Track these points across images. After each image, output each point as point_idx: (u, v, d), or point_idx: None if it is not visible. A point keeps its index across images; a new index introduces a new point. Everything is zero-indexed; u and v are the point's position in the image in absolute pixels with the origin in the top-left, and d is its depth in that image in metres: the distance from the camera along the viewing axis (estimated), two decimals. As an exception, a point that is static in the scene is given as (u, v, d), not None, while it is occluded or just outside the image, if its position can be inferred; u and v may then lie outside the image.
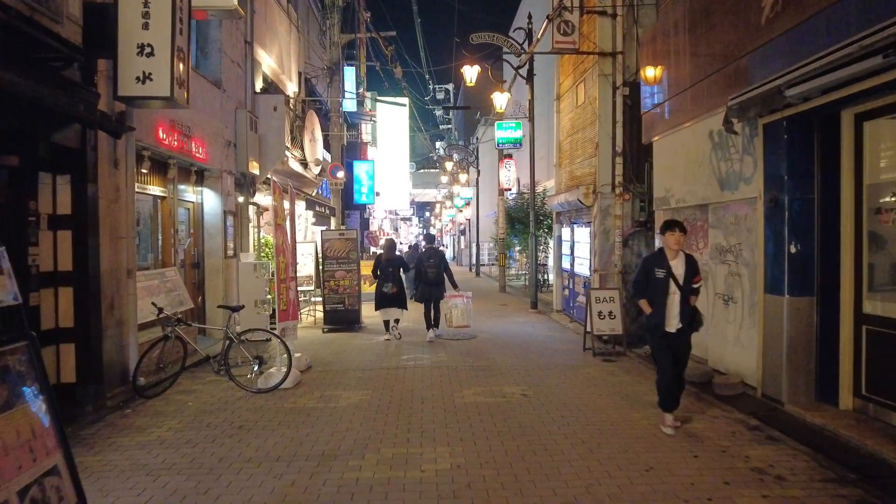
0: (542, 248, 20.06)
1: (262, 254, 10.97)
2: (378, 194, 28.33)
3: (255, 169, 10.09)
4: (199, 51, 8.94)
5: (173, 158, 7.52)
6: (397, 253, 9.74)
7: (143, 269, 6.89)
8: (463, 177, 27.52)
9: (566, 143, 11.47)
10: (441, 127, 42.46)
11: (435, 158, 41.85)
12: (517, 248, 24.50)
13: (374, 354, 8.04)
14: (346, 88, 23.24)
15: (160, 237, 7.86)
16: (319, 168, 13.76)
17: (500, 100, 12.50)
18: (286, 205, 7.38)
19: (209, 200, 9.08)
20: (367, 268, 15.10)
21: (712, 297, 6.53)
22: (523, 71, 12.56)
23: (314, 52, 15.86)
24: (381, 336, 9.39)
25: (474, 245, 31.71)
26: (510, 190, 14.18)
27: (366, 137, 31.35)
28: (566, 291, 11.49)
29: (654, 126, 7.95)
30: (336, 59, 15.00)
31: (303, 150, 12.19)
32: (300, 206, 12.18)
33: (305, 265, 11.30)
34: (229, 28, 9.37)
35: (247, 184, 10.04)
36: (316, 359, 7.76)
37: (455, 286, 9.36)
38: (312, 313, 11.40)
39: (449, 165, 27.58)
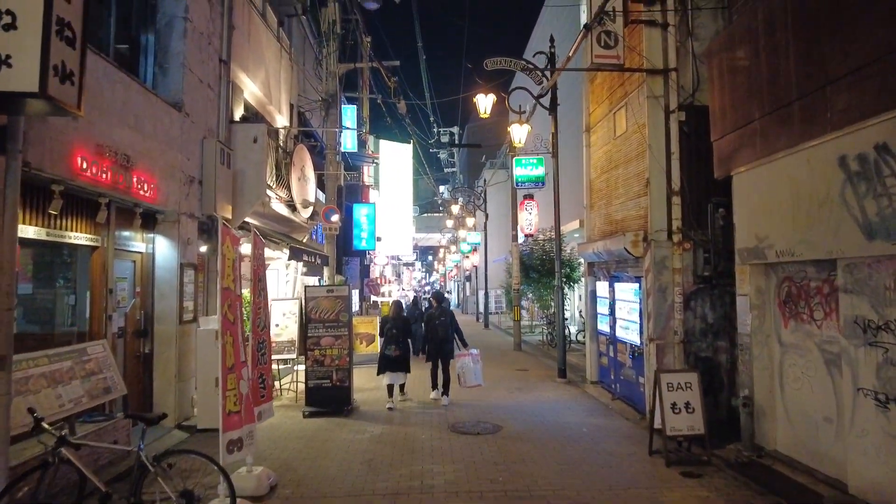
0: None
1: (235, 314, 9.01)
2: (379, 239, 26.57)
3: (226, 212, 8.27)
4: (155, 65, 7.25)
5: (104, 196, 5.67)
6: (404, 313, 9.31)
7: (45, 349, 4.95)
8: (470, 220, 25.79)
9: (600, 182, 9.66)
10: (445, 170, 41.13)
11: (439, 202, 40.35)
12: (530, 297, 22.51)
13: (364, 462, 5.92)
14: (345, 125, 21.86)
15: (87, 299, 5.95)
16: (310, 211, 11.95)
17: (518, 133, 10.81)
18: (245, 252, 5.49)
19: (162, 250, 7.21)
20: (363, 325, 13.17)
21: (852, 393, 4.52)
22: (545, 100, 10.90)
23: (309, 83, 14.34)
24: (375, 426, 7.38)
25: (482, 293, 29.69)
26: (532, 235, 12.37)
27: (368, 180, 29.88)
28: (604, 359, 9.44)
29: (733, 155, 6.12)
30: (333, 91, 13.44)
31: (289, 189, 10.42)
32: (280, 254, 10.30)
33: (287, 327, 9.32)
34: (197, 41, 7.73)
35: (215, 230, 8.19)
36: (286, 467, 5.69)
37: (465, 345, 8.93)
38: (293, 387, 9.34)
39: (455, 208, 25.92)
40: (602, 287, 9.63)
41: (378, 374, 8.59)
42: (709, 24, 7.63)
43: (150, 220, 6.95)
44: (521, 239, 16.55)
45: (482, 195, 24.64)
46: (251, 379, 5.12)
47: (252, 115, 10.66)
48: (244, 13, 9.74)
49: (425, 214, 58.60)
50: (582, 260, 18.44)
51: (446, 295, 42.89)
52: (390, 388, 8.52)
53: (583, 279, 18.55)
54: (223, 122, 8.70)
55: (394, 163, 32.53)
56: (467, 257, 31.20)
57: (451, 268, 49.35)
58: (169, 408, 6.92)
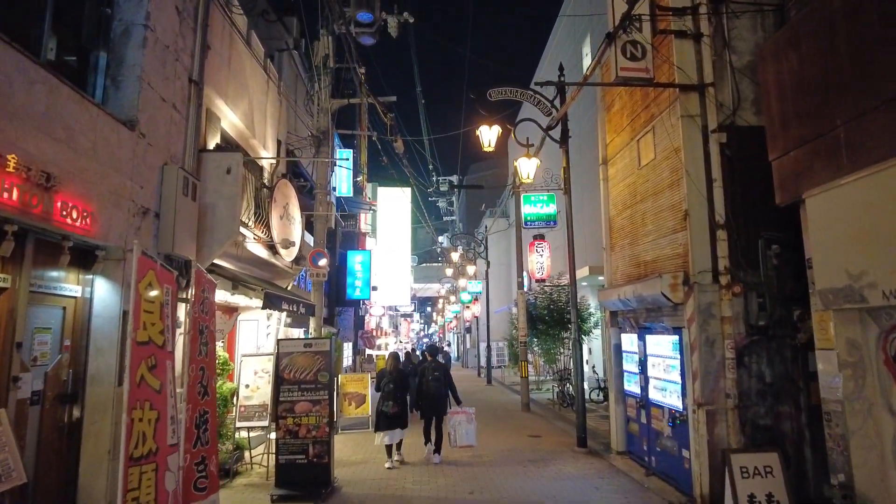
0: (569, 352, 16.63)
1: (197, 372, 7.63)
2: (375, 289, 25.27)
3: (188, 251, 7.03)
4: (107, 77, 6.18)
5: (10, 222, 4.44)
6: (405, 362, 9.37)
7: None
8: (470, 269, 24.57)
9: (622, 219, 8.49)
10: (444, 219, 40.26)
11: (438, 251, 39.26)
12: (535, 351, 20.97)
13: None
14: (342, 175, 20.96)
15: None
16: (294, 254, 10.72)
17: (526, 167, 9.74)
18: (193, 296, 4.22)
19: (102, 295, 5.91)
20: (352, 383, 11.70)
21: None
22: (555, 132, 9.88)
23: (301, 120, 13.42)
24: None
25: (483, 345, 28.12)
26: (544, 280, 11.09)
27: (365, 228, 28.87)
28: (634, 426, 7.99)
29: (804, 174, 4.94)
30: (324, 127, 12.48)
31: (269, 228, 9.22)
32: (256, 302, 9.01)
33: (259, 388, 7.90)
34: (161, 55, 6.70)
35: (175, 273, 6.94)
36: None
37: (458, 402, 8.67)
38: (266, 460, 7.85)
39: (454, 256, 24.73)
40: (628, 340, 8.30)
41: (375, 431, 8.21)
42: (747, 35, 6.65)
43: (86, 258, 5.69)
44: (528, 285, 15.27)
45: (483, 242, 23.50)
46: (183, 467, 3.74)
47: (231, 148, 9.60)
48: (223, 35, 8.83)
49: (424, 264, 57.49)
50: (594, 309, 17.15)
51: (445, 348, 41.25)
52: (389, 448, 8.11)
53: (596, 330, 17.14)
54: (191, 150, 7.59)
55: (392, 209, 31.61)
56: (468, 307, 29.79)
57: (451, 319, 47.73)
58: (98, 496, 5.46)
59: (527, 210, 10.23)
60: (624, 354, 8.45)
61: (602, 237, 9.16)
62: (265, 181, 10.31)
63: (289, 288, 11.73)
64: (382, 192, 32.12)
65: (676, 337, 6.69)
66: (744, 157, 6.40)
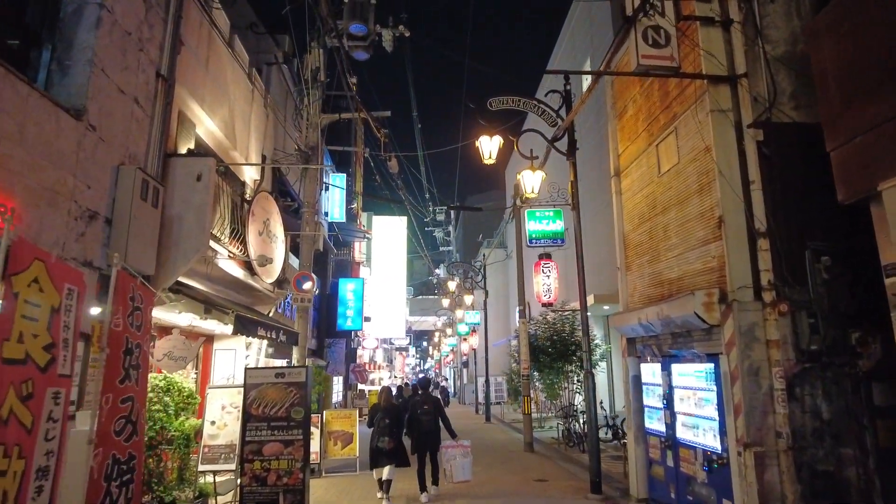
0: (574, 386, 15.55)
1: (154, 408, 6.59)
2: (368, 319, 24.19)
3: (145, 265, 6.10)
4: (53, 60, 5.37)
5: None
6: (396, 396, 9.05)
7: None
8: (468, 298, 23.57)
9: (639, 235, 7.62)
10: (441, 249, 39.42)
11: (435, 282, 38.30)
12: (537, 386, 19.82)
13: None
14: (335, 199, 20.19)
15: None
16: (275, 275, 9.77)
17: (530, 180, 8.92)
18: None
19: (31, 312, 4.96)
20: (338, 421, 10.61)
21: None
22: (562, 144, 9.11)
23: (289, 136, 12.67)
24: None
25: (481, 380, 26.87)
26: (552, 304, 10.10)
27: (359, 257, 27.99)
28: (658, 469, 6.93)
29: (879, 163, 4.09)
30: (314, 143, 11.72)
31: (246, 245, 8.30)
32: (224, 327, 8.03)
33: (227, 426, 6.84)
34: (121, 42, 5.92)
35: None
36: None
37: (453, 435, 8.32)
38: (232, 510, 6.74)
39: (451, 285, 23.75)
40: (649, 370, 7.31)
41: (371, 468, 7.79)
42: (780, 23, 5.93)
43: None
44: (530, 314, 14.29)
45: (481, 271, 22.58)
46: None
47: (203, 153, 8.75)
48: (201, 32, 8.11)
49: (420, 297, 56.36)
50: (599, 340, 16.14)
51: (442, 383, 39.80)
52: (388, 483, 7.65)
53: (602, 363, 16.08)
54: (156, 152, 6.74)
55: (387, 238, 30.82)
56: (465, 340, 28.65)
57: (447, 353, 46.37)
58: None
59: (531, 227, 9.38)
60: (644, 387, 7.46)
61: (616, 257, 8.27)
62: (247, 198, 9.45)
63: (270, 314, 10.74)
64: (378, 220, 31.40)
65: (711, 365, 5.73)
66: (784, 156, 5.59)
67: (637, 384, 7.61)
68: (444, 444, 8.04)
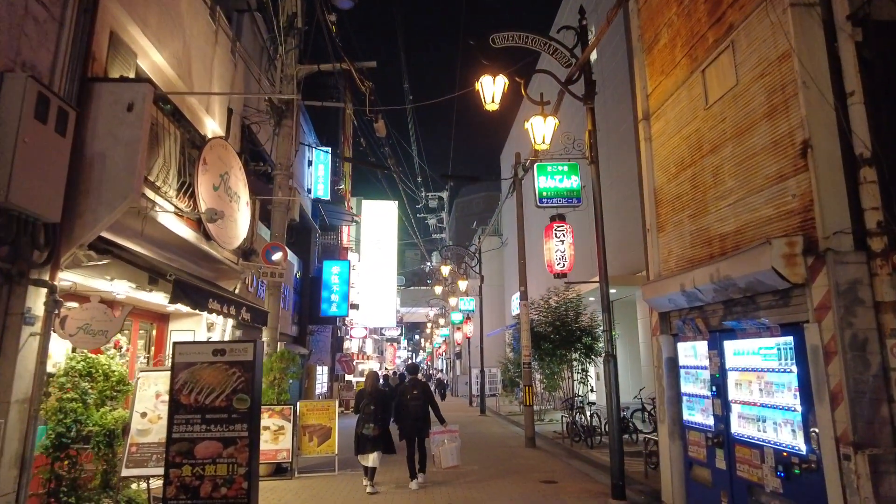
0: (578, 376, 14.22)
1: (67, 397, 5.14)
2: (356, 307, 22.74)
3: (45, 206, 4.64)
4: None
5: None
6: (382, 385, 8.73)
7: None
8: (463, 284, 22.14)
9: (677, 186, 6.24)
10: (434, 236, 37.97)
11: (427, 270, 36.87)
12: (536, 376, 18.49)
13: None
14: (319, 174, 18.71)
15: None
16: (236, 242, 8.30)
17: (540, 128, 7.50)
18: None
19: None
20: (314, 414, 9.21)
21: None
22: (577, 87, 7.70)
23: (262, 90, 11.16)
24: None
25: (475, 371, 25.54)
26: (566, 275, 8.66)
27: (348, 243, 26.52)
28: (702, 472, 5.56)
29: None
30: (288, 99, 10.24)
31: (195, 201, 6.82)
32: (149, 296, 6.58)
33: (161, 419, 5.39)
34: None
35: (23, 242, 4.55)
36: None
37: (442, 421, 8.12)
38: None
39: (445, 270, 22.32)
40: (689, 350, 5.95)
41: (356, 454, 7.60)
42: None
43: None
44: (532, 294, 12.91)
45: (476, 255, 21.19)
46: None
47: (136, 79, 7.21)
48: (139, -63, 6.60)
49: (412, 287, 54.95)
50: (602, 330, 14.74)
51: (438, 375, 38.44)
52: (373, 471, 7.49)
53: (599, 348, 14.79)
54: (70, 70, 5.27)
55: (377, 223, 29.32)
56: (459, 329, 27.28)
57: (440, 344, 45.02)
58: None
59: (542, 183, 7.93)
60: (682, 371, 6.09)
61: (644, 216, 6.88)
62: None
63: (236, 290, 9.28)
64: (367, 205, 29.91)
65: (788, 339, 4.36)
66: (890, 60, 4.21)
67: (672, 368, 6.24)
68: (433, 430, 7.89)
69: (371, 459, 7.40)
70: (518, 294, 27.90)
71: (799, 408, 4.23)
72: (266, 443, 8.47)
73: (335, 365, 22.08)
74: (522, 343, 12.31)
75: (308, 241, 17.81)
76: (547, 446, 11.88)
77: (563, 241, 8.48)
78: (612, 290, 16.16)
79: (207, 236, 7.43)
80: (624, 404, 13.58)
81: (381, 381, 16.15)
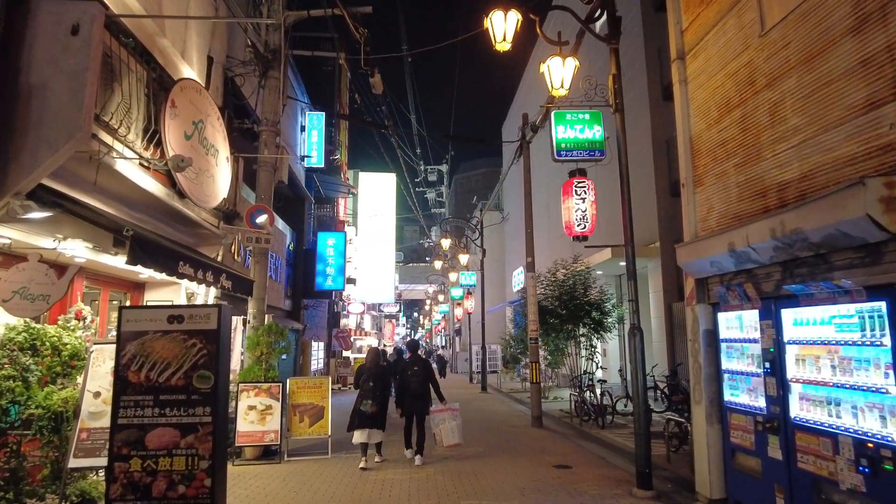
0: (586, 353, 13.50)
1: (2, 374, 4.33)
2: (352, 281, 21.97)
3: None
4: None
5: None
6: (382, 362, 8.15)
7: None
8: (463, 258, 21.30)
9: (721, 132, 5.37)
10: (433, 210, 37.03)
11: (426, 246, 36.03)
12: (542, 354, 17.78)
13: None
14: (312, 140, 17.73)
15: None
16: (215, 201, 7.43)
17: (558, 71, 6.56)
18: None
19: None
20: (306, 392, 8.47)
21: None
22: (598, 25, 6.75)
23: (249, 41, 10.15)
24: None
25: (476, 347, 24.88)
26: (587, 237, 7.75)
27: (344, 215, 25.63)
28: (750, 461, 4.80)
29: None
30: (275, 46, 9.27)
31: (163, 149, 5.93)
32: (117, 261, 5.72)
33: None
34: None
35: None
36: None
37: (442, 399, 7.84)
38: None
39: (445, 244, 21.43)
40: (731, 321, 5.15)
41: (349, 430, 7.50)
42: None
43: None
44: (538, 266, 12.08)
45: (478, 227, 20.32)
46: None
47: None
48: None
49: (410, 264, 54.19)
50: (613, 307, 14.04)
51: (438, 351, 37.84)
52: (364, 446, 7.40)
53: (614, 331, 14.06)
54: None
55: (375, 197, 28.37)
56: (459, 304, 26.55)
57: (439, 321, 44.42)
58: None
59: (561, 133, 7.00)
60: (724, 346, 5.30)
61: (680, 168, 6.01)
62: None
63: (217, 256, 8.44)
64: (365, 177, 28.94)
65: (879, 304, 3.55)
66: None
67: (710, 342, 5.45)
68: (433, 408, 7.74)
69: (366, 436, 7.27)
70: (520, 270, 27.13)
71: (893, 389, 3.43)
72: (252, 424, 7.74)
73: (332, 341, 21.39)
74: (529, 318, 11.54)
75: (301, 211, 16.93)
76: (554, 426, 11.19)
77: (584, 199, 7.58)
78: (621, 263, 15.48)
79: (181, 194, 6.56)
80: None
81: (382, 358, 15.70)
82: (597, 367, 13.48)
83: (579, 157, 7.19)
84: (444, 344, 34.17)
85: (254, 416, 7.76)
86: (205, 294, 8.52)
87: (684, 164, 5.92)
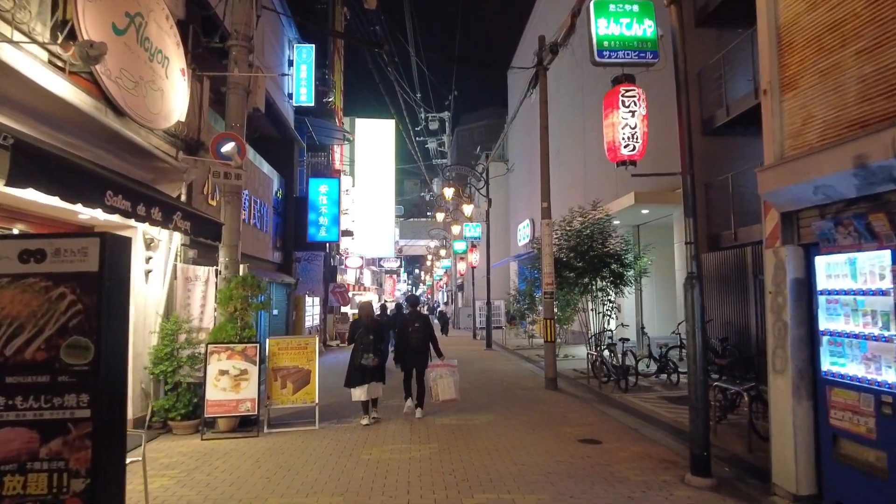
0: (604, 308, 12.31)
1: None
2: (349, 233, 20.67)
3: None
4: None
5: None
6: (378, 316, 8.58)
7: None
8: (468, 208, 19.89)
9: (830, 13, 3.91)
10: (434, 162, 35.35)
11: (427, 198, 34.55)
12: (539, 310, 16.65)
13: None
14: (301, 76, 16.08)
15: None
16: (166, 122, 6.03)
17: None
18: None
19: None
20: (289, 354, 7.29)
21: None
22: None
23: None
24: None
25: (479, 303, 23.81)
26: (634, 162, 6.22)
27: (339, 165, 24.12)
28: (866, 453, 3.59)
29: None
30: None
31: (75, 33, 4.50)
32: (47, 199, 4.37)
33: None
34: None
35: None
36: None
37: (440, 354, 7.87)
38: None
39: (449, 192, 19.96)
40: (837, 266, 3.85)
41: (348, 386, 7.15)
42: None
43: None
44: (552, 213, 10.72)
45: (483, 176, 18.85)
46: None
47: None
48: None
49: (411, 219, 52.79)
50: (635, 259, 12.71)
51: (440, 307, 36.88)
52: (365, 404, 7.13)
53: (633, 285, 12.82)
54: None
55: (373, 145, 26.75)
56: (462, 259, 25.33)
57: (441, 276, 43.37)
58: None
59: (603, 29, 5.49)
60: (822, 299, 4.02)
61: (762, 70, 4.58)
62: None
63: (178, 196, 7.08)
64: (362, 123, 27.22)
65: None
66: None
67: (801, 293, 4.16)
68: (431, 363, 7.72)
69: (368, 391, 7.07)
70: (526, 223, 25.76)
71: None
72: (224, 391, 6.59)
73: (328, 296, 20.27)
74: (544, 270, 10.27)
75: (290, 155, 15.45)
76: (571, 388, 10.09)
77: (633, 113, 6.07)
78: (643, 211, 14.12)
79: (116, 109, 5.16)
80: (659, 339, 11.82)
81: (382, 311, 14.95)
82: (618, 325, 12.33)
83: (625, 58, 5.70)
84: (445, 300, 33.02)
85: (226, 383, 6.60)
86: (168, 240, 7.23)
87: (768, 63, 4.49)
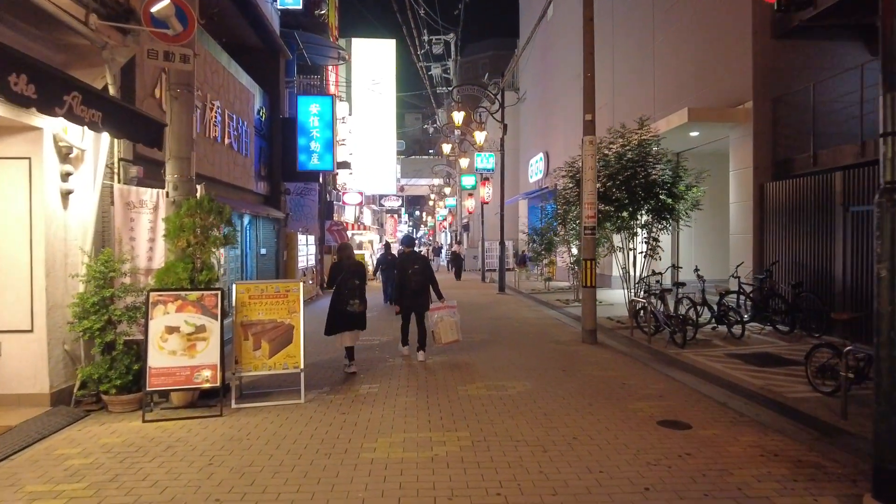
0: (640, 249, 10.49)
1: None
2: (346, 165, 18.58)
3: None
4: None
5: None
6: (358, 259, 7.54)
7: None
8: (480, 135, 17.67)
9: None
10: (438, 90, 32.63)
11: (431, 131, 32.13)
12: (571, 247, 14.85)
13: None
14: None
15: None
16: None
17: None
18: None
19: None
20: (264, 305, 5.47)
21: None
22: None
23: None
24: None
25: (488, 243, 22.04)
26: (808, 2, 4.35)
27: (334, 89, 21.76)
28: None
29: None
30: None
31: None
32: None
33: None
34: None
35: None
36: None
37: (440, 296, 7.68)
38: None
39: (458, 117, 17.64)
40: None
41: (330, 333, 6.74)
42: None
43: None
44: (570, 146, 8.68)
45: (497, 97, 16.58)
46: None
47: None
48: None
49: (413, 157, 50.30)
50: (688, 188, 10.53)
51: (455, 248, 34.93)
52: (350, 350, 6.75)
53: (687, 217, 10.87)
54: None
55: (371, 68, 24.16)
56: (470, 195, 23.31)
57: (445, 216, 41.43)
58: None
59: None
60: None
61: None
62: None
63: (110, 91, 5.06)
64: (358, 44, 24.54)
65: None
66: None
67: None
68: (432, 305, 7.51)
69: (349, 338, 6.76)
70: (539, 157, 23.50)
71: None
72: (174, 355, 4.84)
73: (325, 234, 18.47)
74: (585, 200, 8.38)
75: (276, 68, 13.19)
76: (613, 342, 8.43)
77: None
78: (693, 134, 12.03)
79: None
80: (713, 283, 10.01)
81: (386, 250, 13.92)
82: (668, 267, 10.55)
83: None
84: (458, 239, 31.00)
85: (176, 343, 4.85)
86: (94, 150, 5.26)
87: None
